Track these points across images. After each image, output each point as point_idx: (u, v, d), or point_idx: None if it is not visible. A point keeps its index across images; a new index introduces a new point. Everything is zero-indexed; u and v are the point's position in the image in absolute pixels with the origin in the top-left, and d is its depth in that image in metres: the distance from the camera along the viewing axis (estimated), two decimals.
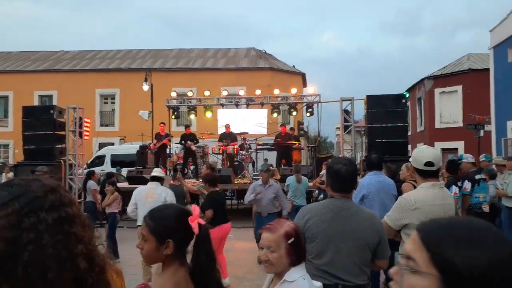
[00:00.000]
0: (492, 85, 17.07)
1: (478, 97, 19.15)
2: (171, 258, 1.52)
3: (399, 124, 9.33)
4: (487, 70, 18.00)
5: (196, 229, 1.51)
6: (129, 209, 5.56)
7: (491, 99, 17.12)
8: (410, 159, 2.82)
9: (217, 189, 5.75)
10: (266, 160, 15.48)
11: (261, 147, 13.60)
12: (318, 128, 15.08)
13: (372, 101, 9.56)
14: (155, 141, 12.06)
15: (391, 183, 4.55)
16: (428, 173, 2.67)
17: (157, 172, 5.89)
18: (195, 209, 1.57)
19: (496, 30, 16.82)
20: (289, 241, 1.85)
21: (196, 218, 1.54)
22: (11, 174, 11.54)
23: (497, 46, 16.65)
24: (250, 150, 13.47)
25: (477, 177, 5.76)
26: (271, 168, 8.03)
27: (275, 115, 14.09)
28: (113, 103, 24.98)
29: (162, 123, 12.30)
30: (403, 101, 9.51)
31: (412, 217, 2.58)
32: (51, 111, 10.33)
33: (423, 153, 2.72)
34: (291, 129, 13.70)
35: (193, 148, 11.99)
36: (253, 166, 13.83)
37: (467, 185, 5.66)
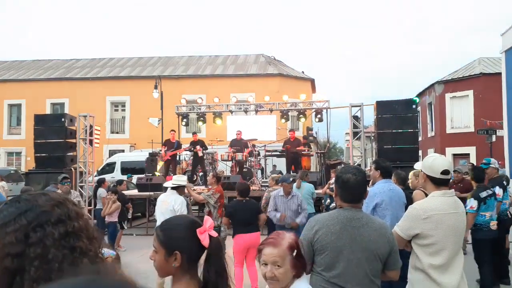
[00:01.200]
0: (504, 89, 16.82)
1: (489, 102, 18.94)
2: (180, 271, 1.49)
3: (409, 130, 9.24)
4: (499, 74, 17.78)
5: (205, 242, 1.47)
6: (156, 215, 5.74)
7: (503, 103, 16.86)
8: (422, 167, 2.78)
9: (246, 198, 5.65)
10: (274, 166, 15.46)
11: (270, 153, 13.57)
12: (327, 134, 15.01)
13: (382, 106, 9.49)
14: (163, 147, 12.06)
15: (401, 192, 4.47)
16: (442, 181, 2.63)
17: (174, 180, 5.79)
18: (207, 220, 1.54)
19: (508, 33, 16.62)
20: (294, 254, 1.82)
21: (206, 230, 1.49)
22: (3, 183, 11.61)
23: (508, 49, 16.44)
24: (259, 157, 13.45)
25: (483, 195, 5.25)
26: (279, 175, 7.94)
27: (283, 121, 14.07)
28: (123, 110, 25.21)
29: (172, 130, 12.34)
30: (413, 106, 9.43)
31: (424, 227, 2.54)
32: (63, 119, 10.45)
33: (439, 162, 2.68)
34: (304, 137, 13.67)
35: (200, 154, 11.98)
36: (262, 172, 13.79)
37: (474, 203, 5.25)
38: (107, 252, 1.63)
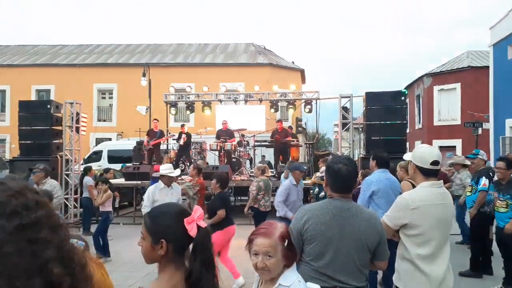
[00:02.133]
0: (492, 83, 17.03)
1: (477, 95, 19.16)
2: (166, 260, 1.47)
3: (397, 122, 9.29)
4: (487, 67, 17.96)
5: (193, 232, 1.44)
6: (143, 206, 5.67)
7: (490, 97, 17.08)
8: (412, 158, 2.77)
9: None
10: (263, 157, 15.44)
11: (258, 143, 13.54)
12: (317, 125, 15.04)
13: (371, 98, 9.51)
14: (147, 137, 11.93)
15: (396, 181, 4.67)
16: (432, 172, 2.64)
17: (162, 170, 5.70)
18: (196, 210, 1.51)
19: (496, 27, 16.76)
20: (285, 244, 1.80)
21: (194, 220, 1.47)
22: None
23: (497, 43, 16.59)
24: (248, 147, 13.41)
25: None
26: (265, 165, 7.89)
27: (273, 111, 14.02)
28: (110, 98, 24.85)
29: (155, 119, 12.21)
30: (402, 98, 9.47)
31: (411, 217, 2.55)
32: (48, 106, 10.24)
33: (429, 152, 2.68)
34: (290, 127, 13.66)
35: (181, 142, 11.89)
36: (251, 163, 13.77)
37: (485, 181, 5.63)
38: (80, 243, 1.58)
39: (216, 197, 5.54)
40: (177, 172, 5.72)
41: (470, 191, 5.94)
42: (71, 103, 10.67)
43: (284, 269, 1.80)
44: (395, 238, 2.69)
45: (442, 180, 2.72)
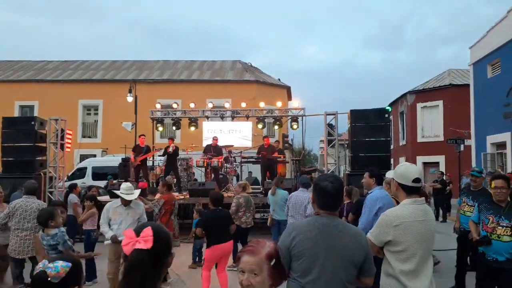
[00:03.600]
0: (472, 101, 17.49)
1: (459, 112, 19.61)
2: None
3: (382, 139, 9.45)
4: (468, 85, 18.46)
5: (126, 251, 1.44)
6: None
7: (471, 114, 17.52)
8: (394, 176, 2.84)
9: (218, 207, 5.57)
10: (250, 173, 15.47)
11: (245, 160, 13.56)
12: (303, 141, 15.16)
13: (356, 115, 9.67)
14: (132, 153, 11.81)
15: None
16: (413, 189, 2.70)
17: (123, 191, 5.47)
18: (129, 232, 1.50)
19: (476, 47, 17.31)
20: (272, 263, 1.79)
21: (133, 240, 1.46)
22: None
23: (476, 62, 17.11)
24: (234, 163, 13.42)
25: None
26: (245, 182, 7.93)
27: (260, 126, 14.09)
28: (96, 114, 24.67)
29: (142, 135, 12.13)
30: (386, 115, 9.65)
31: (394, 234, 2.59)
32: (33, 122, 10.12)
33: (410, 170, 2.74)
34: (276, 141, 13.73)
35: (170, 150, 11.78)
36: (238, 179, 13.76)
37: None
38: (61, 264, 1.57)
39: (201, 217, 5.60)
40: (133, 195, 5.42)
41: (472, 212, 5.46)
42: (56, 120, 10.56)
43: None
44: (379, 255, 2.73)
45: (424, 197, 2.79)
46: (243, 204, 6.89)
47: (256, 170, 14.31)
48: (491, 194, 5.49)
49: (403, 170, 2.76)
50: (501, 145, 15.24)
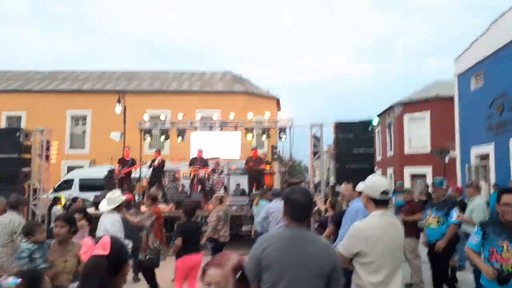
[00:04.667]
0: (457, 112, 17.76)
1: (445, 124, 19.86)
2: None
3: (366, 151, 9.57)
4: (454, 97, 18.75)
5: (84, 258, 1.52)
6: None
7: (456, 125, 17.78)
8: (363, 188, 2.90)
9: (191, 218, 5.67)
10: (238, 185, 15.46)
11: (233, 171, 13.58)
12: (290, 153, 15.26)
13: (341, 127, 9.81)
14: (118, 165, 11.77)
15: None
16: (382, 201, 2.76)
17: (108, 200, 5.38)
18: (86, 240, 1.58)
19: (460, 59, 17.64)
20: (237, 275, 1.82)
21: (91, 248, 1.53)
22: None
23: (461, 74, 17.43)
24: (222, 175, 13.43)
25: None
26: (222, 194, 7.96)
27: (249, 138, 14.14)
28: (84, 124, 24.54)
29: (127, 147, 12.12)
30: (369, 128, 9.80)
31: (363, 245, 2.66)
32: (17, 134, 10.06)
33: (379, 182, 2.82)
34: (263, 154, 13.78)
35: (156, 163, 11.78)
36: (225, 190, 13.75)
37: (457, 213, 5.47)
38: (10, 281, 1.61)
39: (176, 227, 5.62)
40: (109, 206, 5.31)
41: (437, 223, 5.54)
42: (41, 131, 10.51)
43: None
44: (350, 266, 2.78)
45: (392, 210, 2.85)
46: (222, 218, 6.91)
47: (244, 182, 14.32)
48: (454, 202, 5.61)
49: (372, 182, 2.84)
50: (485, 157, 15.47)
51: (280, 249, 2.33)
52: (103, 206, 5.40)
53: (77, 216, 6.68)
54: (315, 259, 2.32)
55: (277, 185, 16.73)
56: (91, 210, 10.94)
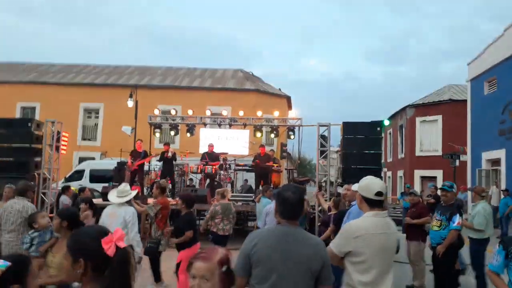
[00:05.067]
0: (469, 117, 17.54)
1: (457, 127, 19.66)
2: (87, 279, 1.54)
3: (373, 152, 9.52)
4: (466, 101, 18.53)
5: (110, 252, 1.53)
6: None
7: (467, 130, 17.57)
8: (358, 189, 2.91)
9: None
10: (246, 181, 15.54)
11: (240, 167, 13.65)
12: (299, 151, 15.27)
13: (348, 127, 9.77)
14: (130, 157, 11.87)
15: None
16: (376, 202, 2.76)
17: (120, 193, 5.50)
18: (116, 232, 1.60)
19: (474, 64, 17.42)
20: (223, 269, 1.83)
21: (112, 240, 1.56)
22: None
23: (474, 79, 17.21)
24: (229, 170, 13.51)
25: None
26: (224, 189, 8.00)
27: (258, 135, 14.16)
28: (96, 117, 24.87)
29: (139, 139, 12.22)
30: (378, 129, 9.74)
31: (355, 245, 2.65)
32: (29, 124, 10.25)
33: (373, 183, 2.82)
34: (271, 150, 13.80)
35: (169, 154, 11.84)
36: (232, 186, 13.84)
37: (460, 219, 5.36)
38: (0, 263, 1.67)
39: (183, 218, 5.66)
40: (122, 198, 5.44)
41: (439, 226, 5.50)
42: (53, 122, 10.70)
43: None
44: (341, 265, 2.80)
45: (386, 210, 2.85)
46: (219, 212, 6.98)
47: (252, 178, 14.38)
48: (458, 207, 5.54)
49: (367, 183, 2.84)
50: (496, 162, 15.26)
51: (269, 246, 2.34)
52: (113, 197, 5.49)
53: (82, 206, 6.82)
54: (305, 257, 2.33)
55: (284, 182, 16.77)
56: (99, 200, 11.14)
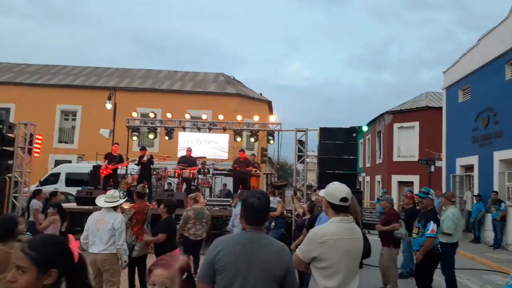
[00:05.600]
0: (444, 124, 17.96)
1: (433, 134, 20.06)
2: None
3: (349, 157, 9.65)
4: (442, 108, 18.96)
5: (76, 258, 1.53)
6: (82, 236, 5.22)
7: (443, 136, 17.97)
8: (324, 194, 2.94)
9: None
10: (225, 185, 15.49)
11: (219, 172, 13.61)
12: (278, 156, 15.34)
13: (325, 133, 9.88)
14: (103, 160, 11.67)
15: None
16: (341, 208, 2.80)
17: (109, 198, 5.39)
18: (71, 238, 1.59)
19: (449, 72, 17.86)
20: (184, 276, 1.81)
21: (74, 246, 1.56)
22: None
23: (449, 87, 17.63)
24: (208, 175, 13.44)
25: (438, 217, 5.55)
26: (195, 194, 7.99)
27: (238, 139, 14.15)
28: (74, 119, 24.42)
29: (116, 143, 12.05)
30: (354, 134, 9.88)
31: (320, 250, 2.67)
32: (1, 126, 9.98)
33: (339, 189, 2.85)
34: (252, 155, 13.81)
35: (145, 159, 11.68)
36: (211, 191, 13.77)
37: (434, 226, 5.39)
38: None
39: (162, 222, 5.65)
40: (110, 203, 5.34)
41: (417, 233, 5.60)
42: (25, 124, 10.45)
43: None
44: (307, 270, 2.81)
45: (351, 216, 2.88)
46: (192, 217, 6.96)
47: (231, 183, 14.35)
48: (433, 214, 5.59)
49: (332, 189, 2.88)
50: (469, 168, 15.65)
51: (233, 253, 2.34)
52: (101, 202, 5.41)
53: (50, 210, 6.68)
54: (268, 263, 2.33)
55: (263, 187, 16.79)
56: (72, 205, 10.93)
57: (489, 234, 13.35)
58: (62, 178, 17.35)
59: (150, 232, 7.11)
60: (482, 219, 13.74)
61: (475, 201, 14.09)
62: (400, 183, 22.95)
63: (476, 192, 14.43)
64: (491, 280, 8.54)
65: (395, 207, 8.06)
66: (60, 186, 16.44)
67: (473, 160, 14.98)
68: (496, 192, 12.84)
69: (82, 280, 1.51)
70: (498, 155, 13.42)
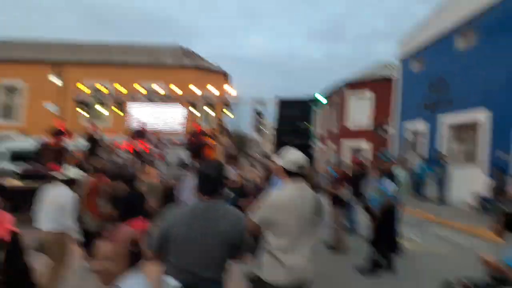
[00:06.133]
0: (397, 93, 18.62)
1: (387, 103, 20.75)
2: None
3: (304, 127, 9.73)
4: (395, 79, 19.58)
5: (6, 237, 1.41)
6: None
7: (396, 104, 18.69)
8: (280, 161, 2.92)
9: None
10: (180, 158, 15.22)
11: (174, 145, 13.35)
12: (235, 127, 15.25)
13: (282, 104, 9.88)
14: (50, 136, 11.13)
15: None
16: (295, 174, 2.85)
17: (68, 172, 4.97)
18: (3, 215, 1.40)
19: (404, 43, 18.37)
20: (129, 249, 1.79)
21: (3, 224, 1.38)
22: None
23: (403, 57, 18.17)
24: (163, 148, 13.13)
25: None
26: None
27: (195, 112, 13.86)
28: (17, 95, 22.89)
29: (60, 118, 11.48)
30: (310, 105, 9.94)
31: (275, 214, 2.72)
32: None
33: (293, 156, 2.88)
34: (210, 127, 13.60)
35: (93, 133, 11.28)
36: (166, 163, 13.48)
37: (393, 186, 5.91)
38: None
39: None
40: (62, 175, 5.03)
41: (376, 193, 6.04)
42: None
43: (127, 272, 1.78)
44: (260, 233, 2.80)
45: (304, 181, 2.88)
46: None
47: (188, 156, 14.13)
48: (389, 175, 5.94)
49: (287, 156, 2.90)
50: (419, 133, 16.54)
51: (186, 223, 2.37)
52: (57, 174, 4.98)
53: None
54: (223, 231, 2.38)
55: (221, 158, 16.69)
56: (17, 182, 10.30)
57: (433, 191, 14.05)
58: (6, 155, 16.35)
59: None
60: (427, 178, 14.48)
61: (421, 162, 14.98)
62: (355, 150, 23.71)
63: (423, 154, 15.32)
64: (433, 232, 9.18)
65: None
66: (3, 164, 15.49)
67: (423, 125, 15.80)
68: (441, 153, 13.91)
69: (17, 259, 1.34)
70: (447, 120, 14.14)
